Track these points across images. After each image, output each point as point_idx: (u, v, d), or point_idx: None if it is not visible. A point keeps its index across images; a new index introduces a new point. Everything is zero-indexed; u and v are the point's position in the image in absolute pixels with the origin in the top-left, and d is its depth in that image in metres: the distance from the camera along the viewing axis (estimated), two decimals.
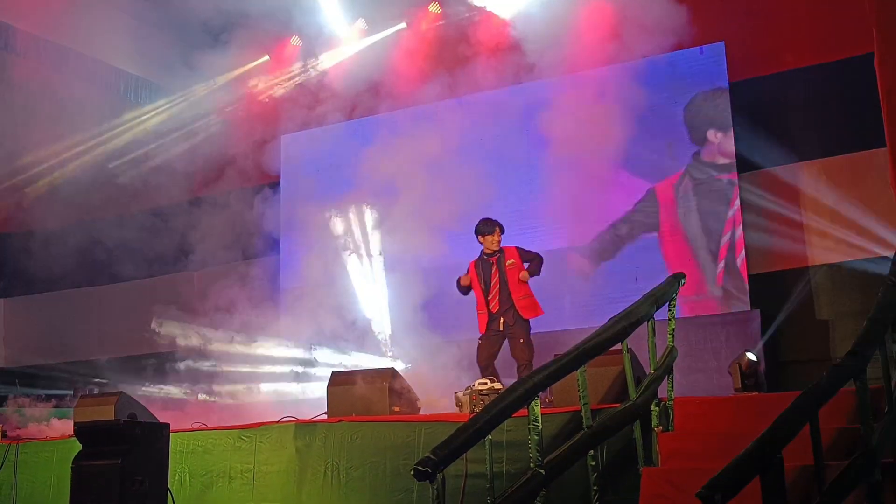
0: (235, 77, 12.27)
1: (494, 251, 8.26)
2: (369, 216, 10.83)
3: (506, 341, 8.33)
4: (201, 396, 10.99)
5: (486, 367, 8.23)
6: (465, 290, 8.47)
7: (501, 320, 8.18)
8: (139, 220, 12.45)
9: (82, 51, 11.66)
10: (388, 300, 10.90)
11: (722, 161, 9.79)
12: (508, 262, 8.19)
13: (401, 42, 11.53)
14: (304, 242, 11.49)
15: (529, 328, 8.23)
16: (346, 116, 11.68)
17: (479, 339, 8.37)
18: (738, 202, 9.62)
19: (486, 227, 8.31)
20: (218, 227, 11.83)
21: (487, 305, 8.25)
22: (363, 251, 11.01)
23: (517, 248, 8.36)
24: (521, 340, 8.15)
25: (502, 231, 8.33)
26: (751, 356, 7.37)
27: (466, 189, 9.62)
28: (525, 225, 9.90)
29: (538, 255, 8.30)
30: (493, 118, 10.49)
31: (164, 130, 12.17)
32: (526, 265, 8.23)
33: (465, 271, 8.49)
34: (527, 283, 8.18)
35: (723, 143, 9.78)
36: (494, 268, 8.21)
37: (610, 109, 9.62)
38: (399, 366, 9.26)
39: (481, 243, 8.41)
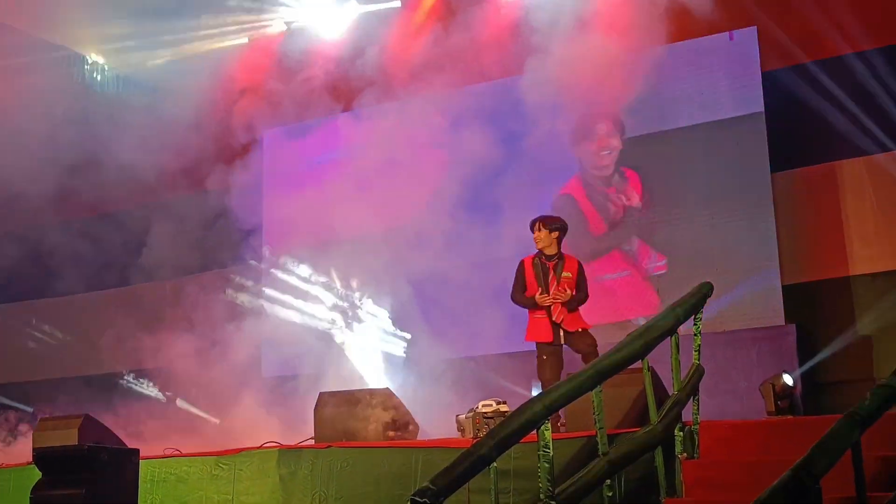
0: (208, 59, 12.25)
1: (551, 254, 7.96)
2: (357, 222, 10.87)
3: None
4: (180, 403, 11.03)
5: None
6: (522, 293, 8.01)
7: (561, 332, 7.88)
8: (97, 224, 12.49)
9: (39, 35, 11.67)
10: (381, 312, 10.96)
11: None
12: (565, 273, 7.91)
13: (395, 26, 11.54)
14: (288, 248, 11.54)
15: (592, 337, 7.90)
16: (335, 110, 11.70)
17: (542, 353, 7.87)
18: (771, 205, 9.65)
19: (532, 224, 8.06)
20: (190, 233, 11.87)
21: (549, 313, 7.91)
22: (351, 256, 11.09)
23: (579, 262, 8.05)
24: (589, 342, 7.78)
25: (550, 229, 7.94)
26: (787, 379, 7.37)
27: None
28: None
29: (587, 294, 7.93)
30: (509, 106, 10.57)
31: (128, 122, 12.15)
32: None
33: (517, 269, 8.11)
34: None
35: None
36: (552, 274, 7.91)
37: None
38: (394, 385, 9.27)
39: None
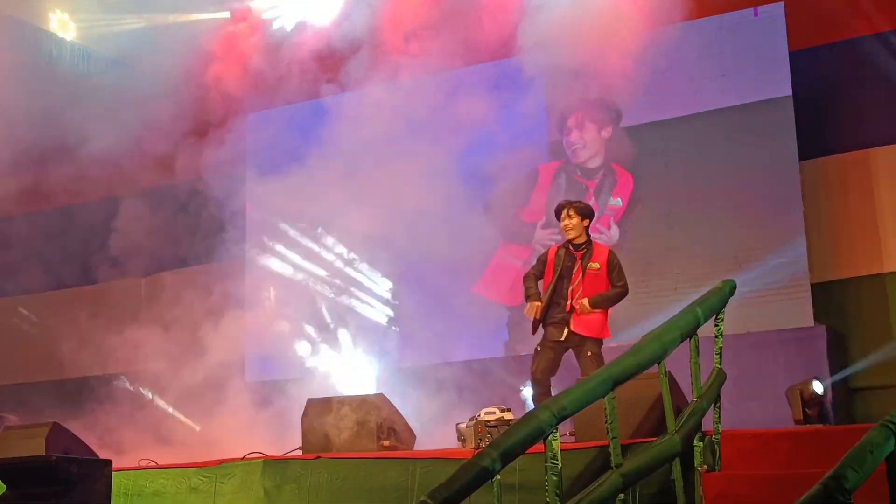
0: (183, 33, 12.21)
1: (579, 244, 7.86)
2: (349, 215, 10.88)
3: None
4: (157, 407, 11.05)
5: (541, 382, 7.85)
6: (534, 281, 7.99)
7: (565, 329, 7.82)
8: (68, 216, 12.49)
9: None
10: (374, 309, 10.97)
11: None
12: (593, 264, 7.84)
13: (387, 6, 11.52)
14: (273, 242, 11.55)
15: (601, 341, 7.88)
16: (323, 92, 11.69)
17: (541, 344, 7.94)
18: (799, 196, 9.65)
19: (557, 209, 7.98)
20: (168, 225, 11.86)
21: (552, 299, 7.82)
22: (342, 257, 11.11)
23: (610, 251, 7.98)
24: (590, 353, 7.74)
25: (581, 215, 7.85)
26: (816, 387, 7.37)
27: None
28: None
29: (624, 286, 7.83)
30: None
31: (101, 104, 12.11)
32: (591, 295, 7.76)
33: (538, 259, 8.09)
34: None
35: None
36: (578, 265, 7.85)
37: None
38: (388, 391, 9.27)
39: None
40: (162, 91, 11.48)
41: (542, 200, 10.75)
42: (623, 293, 7.83)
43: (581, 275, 7.76)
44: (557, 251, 7.95)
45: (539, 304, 7.82)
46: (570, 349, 7.86)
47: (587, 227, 7.90)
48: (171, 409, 11.44)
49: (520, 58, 10.47)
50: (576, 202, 7.99)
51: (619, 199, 10.56)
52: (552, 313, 7.85)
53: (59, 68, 12.42)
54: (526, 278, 8.05)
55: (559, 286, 7.83)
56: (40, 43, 12.41)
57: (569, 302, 7.77)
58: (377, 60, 11.03)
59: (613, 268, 7.83)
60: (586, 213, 7.90)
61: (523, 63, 10.46)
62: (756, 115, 9.94)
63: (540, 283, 7.97)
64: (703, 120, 10.23)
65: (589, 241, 7.90)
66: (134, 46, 12.23)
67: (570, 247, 7.89)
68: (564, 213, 7.87)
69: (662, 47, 9.80)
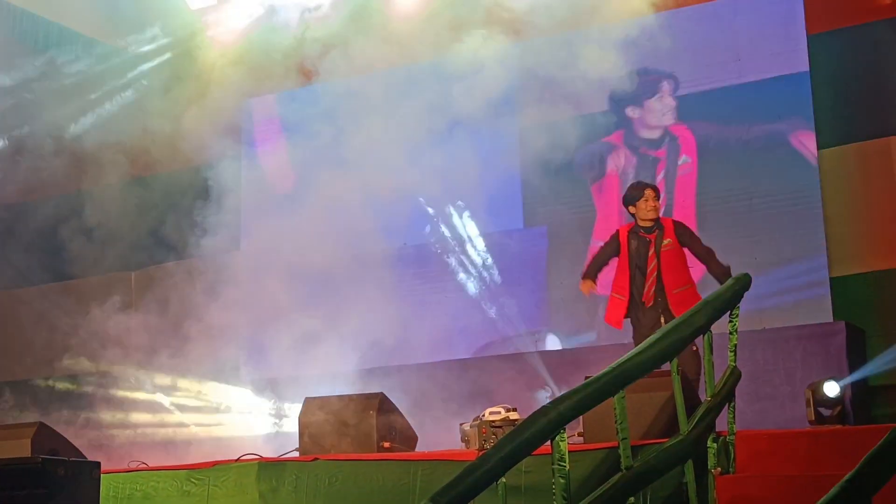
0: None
1: (650, 225, 7.81)
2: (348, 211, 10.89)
3: None
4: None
5: None
6: (598, 266, 8.02)
7: (639, 313, 7.79)
8: (60, 204, 12.47)
9: None
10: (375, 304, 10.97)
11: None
12: (665, 241, 7.78)
13: None
14: (271, 235, 11.54)
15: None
16: (323, 76, 11.68)
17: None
18: (818, 185, 9.64)
19: (634, 191, 7.94)
20: (161, 216, 11.86)
21: (632, 293, 7.83)
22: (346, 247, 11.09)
23: (676, 222, 7.97)
24: (694, 347, 7.53)
25: (657, 196, 7.90)
26: (828, 389, 7.37)
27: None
28: None
29: (711, 250, 7.73)
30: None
31: (89, 90, 12.10)
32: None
33: (610, 239, 8.07)
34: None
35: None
36: (651, 249, 7.76)
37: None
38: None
39: (632, 214, 8.02)
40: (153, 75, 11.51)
41: None
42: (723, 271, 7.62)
43: (656, 259, 7.73)
44: (629, 234, 7.90)
45: (590, 282, 7.87)
46: None
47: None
48: (161, 409, 11.46)
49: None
50: (652, 183, 8.02)
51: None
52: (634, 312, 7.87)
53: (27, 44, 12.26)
54: (595, 257, 8.10)
55: (635, 277, 7.82)
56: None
57: (651, 290, 7.72)
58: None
59: (682, 232, 7.82)
60: (659, 193, 7.94)
61: None
62: (772, 101, 9.93)
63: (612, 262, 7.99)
64: (714, 106, 10.22)
65: (658, 221, 7.90)
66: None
67: (641, 230, 7.86)
68: (648, 194, 7.84)
69: (677, 29, 9.84)
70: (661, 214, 7.97)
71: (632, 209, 7.98)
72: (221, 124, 11.67)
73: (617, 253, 7.99)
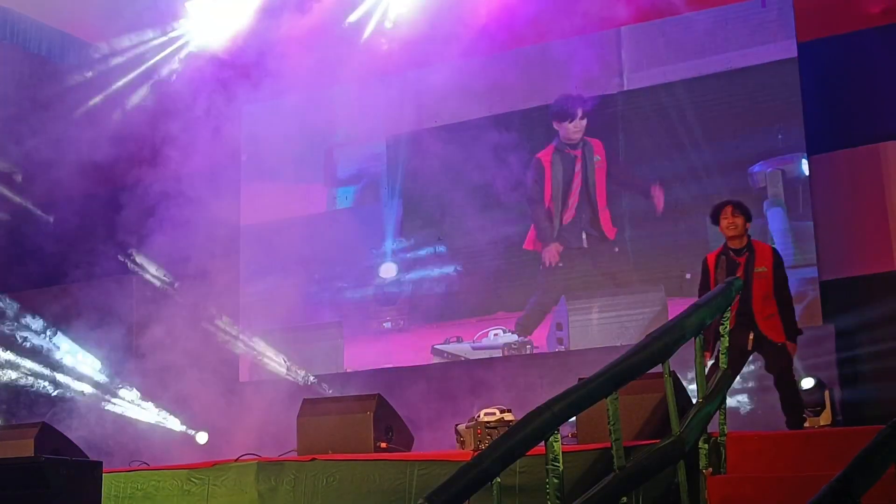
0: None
1: (739, 247, 7.42)
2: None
3: None
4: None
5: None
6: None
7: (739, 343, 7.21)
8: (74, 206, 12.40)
9: None
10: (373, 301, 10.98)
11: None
12: (759, 268, 7.38)
13: None
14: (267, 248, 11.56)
15: (789, 357, 7.39)
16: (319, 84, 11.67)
17: None
18: (807, 191, 9.63)
19: (715, 211, 7.57)
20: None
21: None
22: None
23: (774, 250, 7.58)
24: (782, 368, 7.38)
25: (746, 217, 7.46)
26: (806, 382, 7.35)
27: None
28: None
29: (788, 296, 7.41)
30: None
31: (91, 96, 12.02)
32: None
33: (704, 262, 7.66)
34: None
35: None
36: (741, 271, 7.31)
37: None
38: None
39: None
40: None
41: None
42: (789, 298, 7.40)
43: (745, 279, 7.18)
44: (717, 257, 7.54)
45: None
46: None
47: (748, 229, 7.51)
48: (163, 411, 11.46)
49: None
50: (737, 201, 7.60)
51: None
52: None
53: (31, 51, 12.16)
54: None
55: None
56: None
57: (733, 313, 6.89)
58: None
59: (780, 266, 7.45)
60: (749, 215, 7.53)
61: None
62: (763, 108, 9.91)
63: None
64: (709, 110, 10.22)
65: (750, 244, 7.49)
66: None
67: (731, 252, 7.48)
68: (728, 212, 7.47)
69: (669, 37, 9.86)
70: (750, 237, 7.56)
71: (721, 226, 7.58)
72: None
73: (708, 278, 7.56)
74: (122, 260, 11.95)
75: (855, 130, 9.62)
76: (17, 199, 12.36)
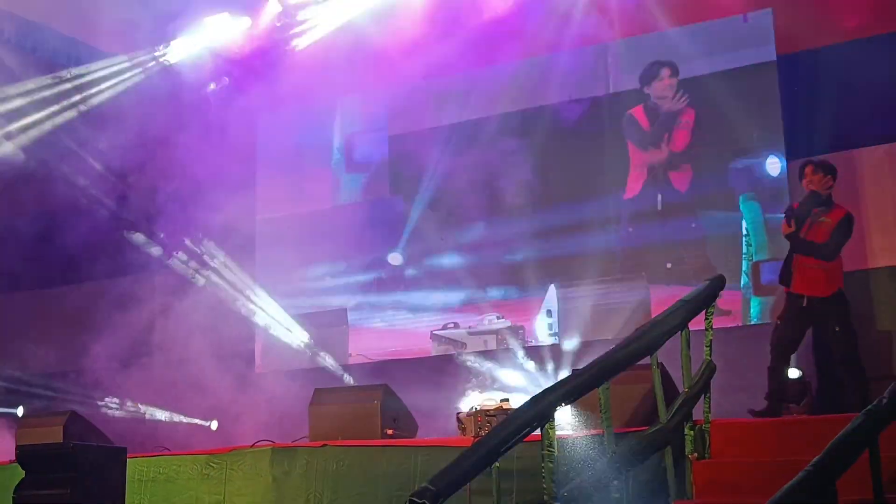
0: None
1: (818, 201, 7.75)
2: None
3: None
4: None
5: (781, 356, 7.78)
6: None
7: (805, 296, 7.63)
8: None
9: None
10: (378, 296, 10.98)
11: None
12: (822, 219, 7.75)
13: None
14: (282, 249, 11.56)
15: (846, 309, 7.65)
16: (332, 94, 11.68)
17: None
18: (787, 195, 9.63)
19: (803, 167, 8.05)
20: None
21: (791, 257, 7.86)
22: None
23: (847, 215, 7.82)
24: (837, 328, 7.58)
25: (825, 171, 7.87)
26: (793, 372, 7.38)
27: None
28: None
29: (832, 251, 7.69)
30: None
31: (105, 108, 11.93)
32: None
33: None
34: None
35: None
36: (808, 217, 7.78)
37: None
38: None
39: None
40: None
41: None
42: (830, 256, 7.69)
43: (810, 225, 7.74)
44: (801, 200, 7.96)
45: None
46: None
47: (831, 187, 7.82)
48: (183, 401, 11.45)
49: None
50: (820, 162, 7.99)
51: None
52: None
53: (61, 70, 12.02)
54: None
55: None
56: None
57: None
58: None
59: (840, 230, 7.74)
60: (830, 171, 7.86)
61: None
62: (745, 116, 9.89)
63: None
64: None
65: (831, 202, 7.84)
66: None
67: (811, 202, 7.85)
68: (809, 170, 7.90)
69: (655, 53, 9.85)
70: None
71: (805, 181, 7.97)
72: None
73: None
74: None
75: (830, 138, 9.61)
76: None
